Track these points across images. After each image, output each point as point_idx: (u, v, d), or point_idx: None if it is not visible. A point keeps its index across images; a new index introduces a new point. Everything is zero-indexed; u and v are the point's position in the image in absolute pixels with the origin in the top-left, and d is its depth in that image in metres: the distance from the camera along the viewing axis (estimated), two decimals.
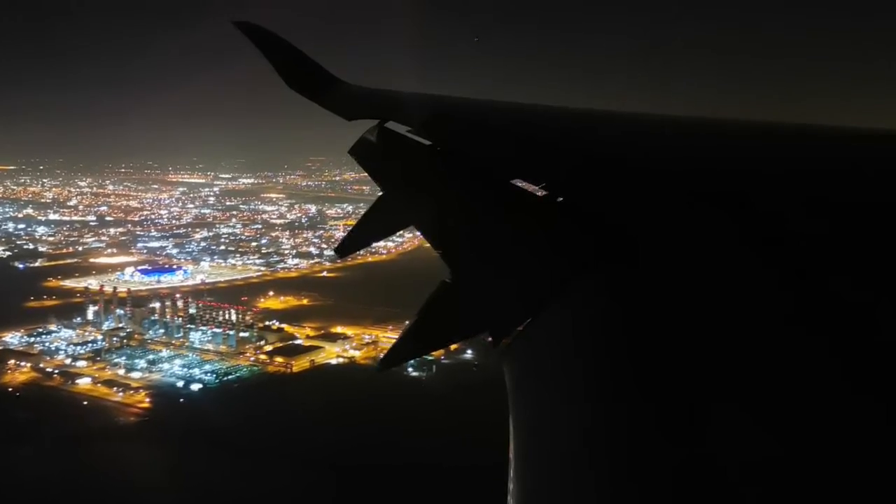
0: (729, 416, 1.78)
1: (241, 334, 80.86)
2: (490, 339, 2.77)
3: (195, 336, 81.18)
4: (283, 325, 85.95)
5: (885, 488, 1.49)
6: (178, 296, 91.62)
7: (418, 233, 4.23)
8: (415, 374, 75.39)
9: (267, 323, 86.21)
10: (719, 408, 1.82)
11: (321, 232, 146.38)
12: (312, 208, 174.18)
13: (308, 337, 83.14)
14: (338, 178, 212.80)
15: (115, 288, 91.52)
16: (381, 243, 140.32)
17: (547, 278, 2.92)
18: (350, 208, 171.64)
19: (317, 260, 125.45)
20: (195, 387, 69.74)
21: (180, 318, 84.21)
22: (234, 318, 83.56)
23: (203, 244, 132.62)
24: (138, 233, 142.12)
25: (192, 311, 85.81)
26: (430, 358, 79.35)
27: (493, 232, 3.59)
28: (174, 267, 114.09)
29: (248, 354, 78.12)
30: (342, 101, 5.06)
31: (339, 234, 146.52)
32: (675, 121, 4.28)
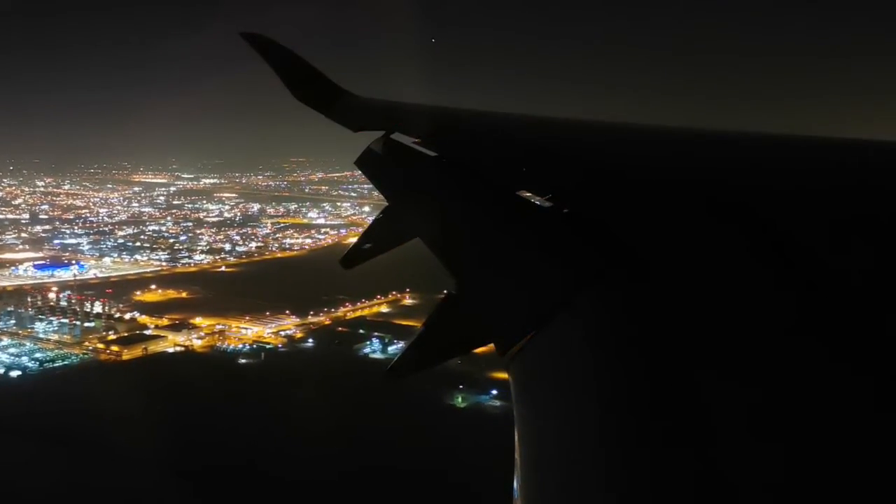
0: (736, 424, 1.83)
1: (88, 324, 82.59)
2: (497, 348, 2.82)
3: (41, 326, 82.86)
4: (140, 316, 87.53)
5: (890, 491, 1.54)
6: (54, 289, 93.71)
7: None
8: (244, 361, 76.67)
9: (128, 315, 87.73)
10: (726, 416, 1.86)
11: (247, 229, 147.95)
12: (255, 207, 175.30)
13: (157, 327, 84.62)
14: (303, 180, 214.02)
15: None
16: (298, 240, 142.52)
17: (553, 289, 2.94)
18: (294, 206, 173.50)
19: (223, 255, 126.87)
20: (14, 373, 71.54)
21: (32, 310, 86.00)
22: (91, 309, 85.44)
23: (122, 241, 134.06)
24: (63, 230, 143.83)
25: (62, 304, 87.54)
26: (268, 346, 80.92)
27: (499, 243, 3.58)
28: (70, 262, 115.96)
29: (87, 343, 79.71)
30: (348, 112, 5.07)
31: (265, 232, 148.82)
32: (681, 131, 4.34)
